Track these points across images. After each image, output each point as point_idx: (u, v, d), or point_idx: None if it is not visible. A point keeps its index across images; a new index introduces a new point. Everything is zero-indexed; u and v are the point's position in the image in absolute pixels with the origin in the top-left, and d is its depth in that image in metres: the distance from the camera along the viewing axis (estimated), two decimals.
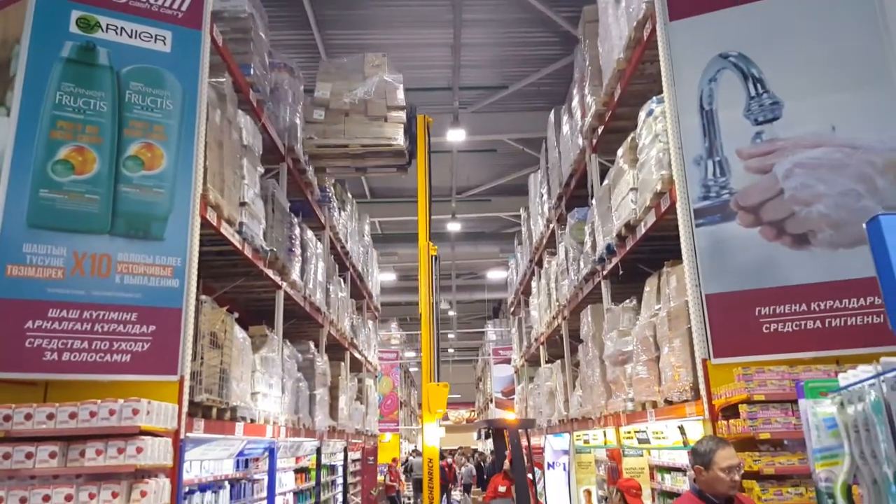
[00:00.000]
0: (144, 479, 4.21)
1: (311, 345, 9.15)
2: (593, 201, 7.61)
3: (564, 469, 10.49)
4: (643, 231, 5.77)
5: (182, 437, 4.59)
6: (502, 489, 7.63)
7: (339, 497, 12.05)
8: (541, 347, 12.08)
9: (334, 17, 10.52)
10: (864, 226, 2.29)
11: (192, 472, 5.54)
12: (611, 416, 7.11)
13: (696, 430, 5.07)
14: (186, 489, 5.25)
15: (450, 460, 21.98)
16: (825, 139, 4.58)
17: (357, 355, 13.01)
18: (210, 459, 5.86)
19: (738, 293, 4.61)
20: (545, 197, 11.16)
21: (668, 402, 5.32)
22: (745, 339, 4.51)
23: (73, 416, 4.16)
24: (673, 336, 5.25)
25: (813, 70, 4.78)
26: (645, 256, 6.42)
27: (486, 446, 24.41)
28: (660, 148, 5.31)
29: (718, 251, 4.71)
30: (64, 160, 4.63)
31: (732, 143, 4.81)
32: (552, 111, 10.41)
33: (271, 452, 6.97)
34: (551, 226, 10.52)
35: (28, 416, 4.16)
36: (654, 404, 5.67)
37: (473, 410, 35.85)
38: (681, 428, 5.63)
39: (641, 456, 6.85)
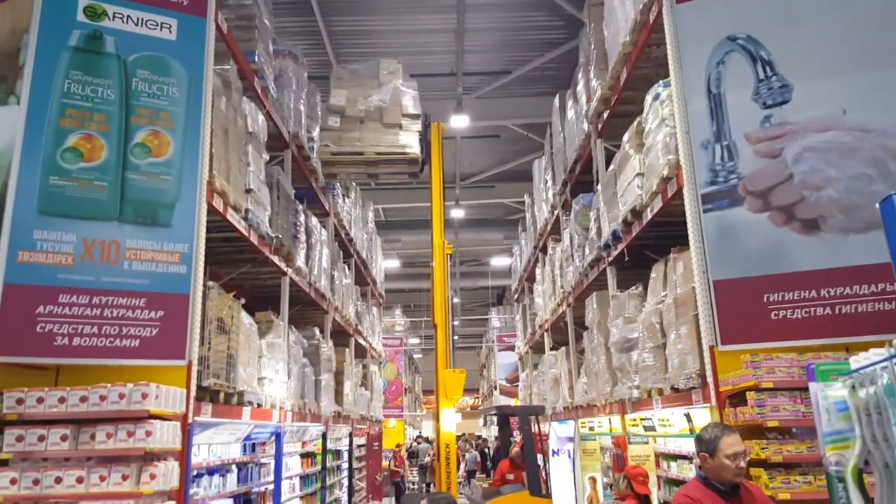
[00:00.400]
0: (154, 461, 4.25)
1: (317, 331, 9.20)
2: (598, 187, 7.58)
3: (569, 456, 10.53)
4: (649, 217, 5.74)
5: (190, 420, 4.64)
6: (510, 476, 7.66)
7: (345, 482, 12.15)
8: (545, 334, 12.09)
9: (338, 4, 10.45)
10: (877, 206, 2.27)
11: (201, 455, 5.59)
12: (616, 404, 7.11)
13: (703, 417, 5.07)
14: (195, 472, 5.31)
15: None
16: (836, 122, 4.53)
17: (361, 341, 13.05)
18: (218, 443, 5.91)
19: (746, 279, 4.58)
20: (549, 183, 11.12)
21: (675, 390, 5.31)
22: (753, 326, 4.49)
23: (83, 399, 4.22)
24: (680, 323, 5.24)
25: (824, 51, 4.71)
26: (651, 242, 6.40)
27: (491, 433, 24.52)
28: (666, 132, 5.27)
29: (726, 237, 4.68)
30: (73, 148, 4.67)
31: (741, 127, 4.77)
32: (557, 96, 10.35)
33: (278, 437, 7.03)
34: (556, 212, 10.49)
35: (40, 400, 4.21)
36: (661, 391, 5.66)
37: (478, 397, 36.00)
38: (687, 415, 5.64)
39: (647, 443, 6.85)
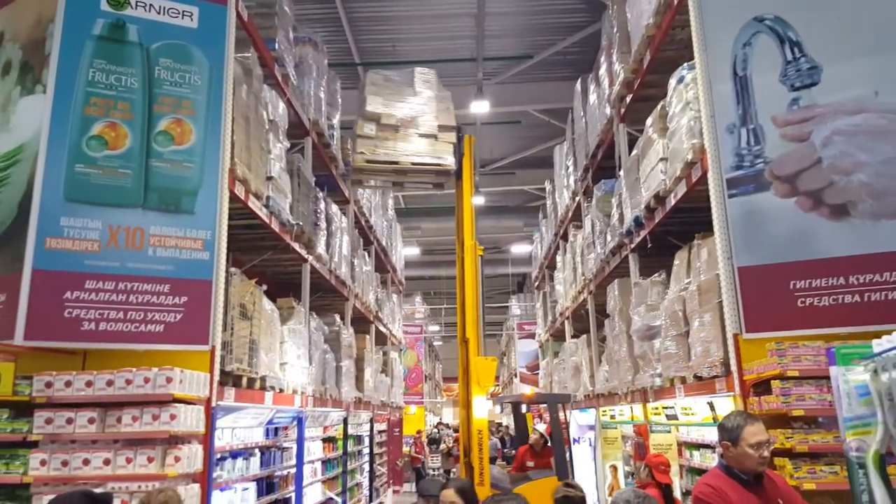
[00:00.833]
0: (178, 444, 4.33)
1: (337, 318, 9.26)
2: (621, 172, 7.49)
3: (590, 444, 10.51)
4: (673, 202, 5.66)
5: (213, 404, 4.72)
6: (530, 464, 7.70)
7: (366, 467, 12.27)
8: (566, 322, 12.04)
9: None
10: None
11: (224, 439, 5.67)
12: (638, 392, 7.07)
13: (727, 406, 5.01)
14: (218, 455, 5.38)
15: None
16: (867, 105, 4.41)
17: (382, 328, 13.12)
18: (241, 427, 5.99)
19: (772, 266, 4.50)
20: (571, 169, 11.02)
21: (698, 378, 5.25)
22: (779, 314, 4.42)
23: (110, 383, 4.30)
24: (703, 310, 5.17)
25: (855, 31, 4.58)
26: (674, 229, 6.31)
27: (511, 420, 24.54)
28: (691, 116, 5.18)
29: (752, 222, 4.60)
30: (98, 136, 4.73)
31: (767, 110, 4.67)
32: (579, 80, 10.22)
33: (300, 421, 7.11)
34: (577, 198, 10.40)
35: (68, 384, 4.31)
36: (683, 380, 5.61)
37: (498, 385, 36.06)
38: (710, 404, 5.58)
39: (669, 432, 6.81)
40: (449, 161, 7.74)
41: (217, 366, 4.80)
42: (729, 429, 2.88)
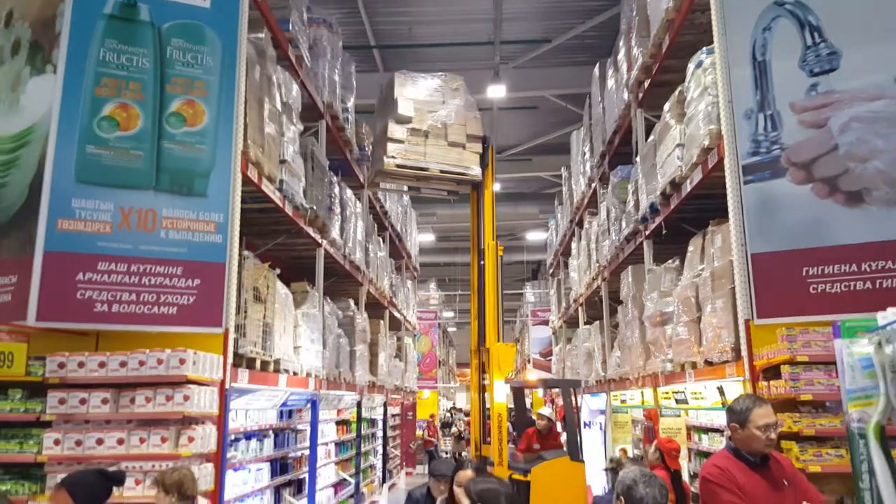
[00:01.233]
0: (192, 425, 4.38)
1: (351, 302, 9.31)
2: (637, 158, 7.41)
3: (601, 428, 10.54)
4: (689, 189, 5.60)
5: (227, 386, 4.76)
6: (537, 446, 7.77)
7: (379, 449, 12.39)
8: (579, 309, 12.01)
9: None
10: None
11: (238, 420, 5.74)
12: (649, 377, 7.06)
13: (736, 390, 5.00)
14: (232, 437, 5.46)
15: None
16: (886, 91, 4.32)
17: (396, 314, 13.17)
18: (255, 409, 6.06)
19: (786, 252, 4.45)
20: (587, 155, 10.93)
21: (708, 363, 5.25)
22: (791, 300, 4.39)
23: (123, 364, 4.35)
24: (716, 296, 5.14)
25: (876, 16, 4.47)
26: (689, 215, 6.25)
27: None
28: (709, 101, 5.11)
29: (767, 209, 4.54)
30: (109, 117, 4.70)
31: (786, 96, 4.59)
32: (597, 65, 10.10)
33: (313, 404, 7.18)
34: (593, 185, 10.32)
35: (81, 364, 4.36)
36: (694, 365, 5.60)
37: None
38: (720, 388, 5.56)
39: (679, 416, 6.82)
40: (475, 171, 7.74)
41: (231, 348, 4.84)
42: (738, 411, 2.89)
